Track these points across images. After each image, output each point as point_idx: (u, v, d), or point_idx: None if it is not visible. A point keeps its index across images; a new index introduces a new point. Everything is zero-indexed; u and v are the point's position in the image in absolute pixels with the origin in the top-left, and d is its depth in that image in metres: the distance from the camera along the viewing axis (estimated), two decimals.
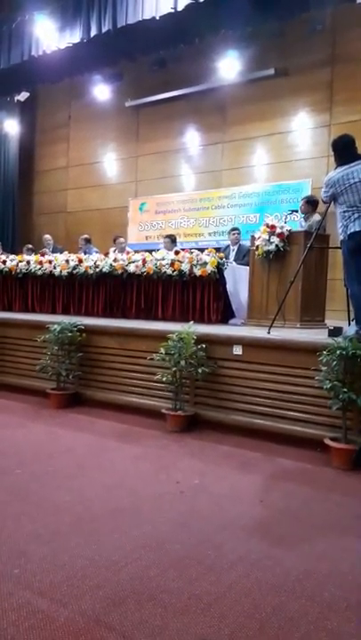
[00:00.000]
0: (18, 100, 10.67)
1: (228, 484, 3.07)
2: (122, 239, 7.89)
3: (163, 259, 5.99)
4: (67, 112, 11.39)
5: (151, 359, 4.34)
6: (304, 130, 8.53)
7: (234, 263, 6.41)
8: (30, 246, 8.79)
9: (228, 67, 8.61)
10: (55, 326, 4.93)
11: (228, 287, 5.81)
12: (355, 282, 3.98)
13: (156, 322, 5.69)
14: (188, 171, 9.91)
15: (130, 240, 9.79)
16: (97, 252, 7.41)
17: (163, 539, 2.33)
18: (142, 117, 10.28)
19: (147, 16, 6.62)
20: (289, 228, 5.17)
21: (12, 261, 7.30)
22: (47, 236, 8.84)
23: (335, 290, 5.82)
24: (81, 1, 7.25)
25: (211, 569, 2.09)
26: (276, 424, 3.88)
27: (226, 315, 5.71)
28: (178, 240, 7.68)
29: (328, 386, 3.37)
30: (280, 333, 4.25)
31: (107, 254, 6.64)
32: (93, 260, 6.51)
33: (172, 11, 6.37)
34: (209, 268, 5.61)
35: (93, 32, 7.14)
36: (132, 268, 6.15)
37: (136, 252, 6.75)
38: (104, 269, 6.35)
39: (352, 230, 3.86)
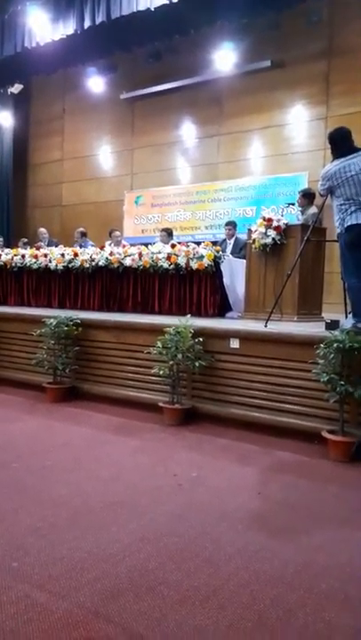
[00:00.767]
0: (11, 93, 10.59)
1: (225, 477, 3.07)
2: (118, 232, 7.86)
3: (159, 252, 5.97)
4: (61, 104, 11.31)
5: (148, 353, 4.33)
6: (301, 122, 8.49)
7: (230, 256, 6.40)
8: (25, 240, 8.75)
9: (224, 58, 8.54)
10: (51, 320, 4.92)
11: (225, 280, 5.80)
12: (352, 275, 3.97)
13: (153, 315, 5.68)
14: (184, 163, 9.86)
15: (126, 233, 9.76)
16: (93, 246, 7.38)
17: (161, 531, 2.33)
18: (137, 110, 10.22)
19: (141, 7, 6.55)
20: (286, 221, 5.15)
21: (7, 255, 7.26)
22: (42, 230, 8.80)
23: (332, 283, 5.82)
24: None
25: (209, 561, 2.10)
26: (274, 417, 3.88)
27: (223, 308, 5.70)
28: (174, 233, 7.65)
29: (325, 379, 3.37)
30: (277, 326, 4.25)
31: (103, 248, 6.61)
32: (89, 254, 6.48)
33: (167, 2, 6.31)
34: (206, 262, 5.59)
35: (87, 23, 7.07)
36: (128, 262, 6.13)
37: (132, 245, 6.73)
38: (100, 263, 6.32)
39: (349, 223, 3.85)
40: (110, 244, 7.16)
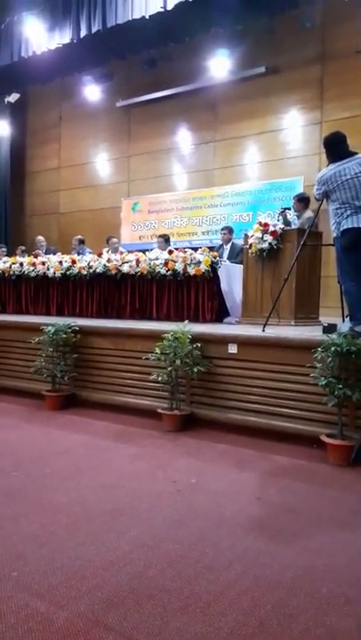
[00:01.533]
0: (8, 102, 10.64)
1: (224, 482, 3.07)
2: (115, 239, 7.88)
3: (156, 258, 5.99)
4: (57, 113, 11.36)
5: (146, 359, 4.34)
6: (295, 127, 8.55)
7: (227, 262, 6.42)
8: (23, 248, 8.77)
9: (219, 65, 8.60)
10: (49, 328, 4.92)
11: (223, 286, 5.81)
12: (348, 279, 3.98)
13: (151, 322, 5.69)
14: (180, 170, 9.91)
15: (123, 240, 9.78)
16: (91, 253, 7.40)
17: (160, 538, 2.33)
18: (133, 117, 10.27)
19: (136, 15, 6.62)
20: (282, 226, 5.18)
21: (4, 263, 7.27)
22: (40, 238, 8.81)
23: (329, 287, 5.83)
24: (70, 1, 7.25)
25: (209, 567, 2.09)
26: (273, 421, 3.88)
27: (220, 313, 5.71)
28: (171, 239, 7.67)
29: (323, 382, 3.38)
30: (275, 331, 4.26)
31: (100, 255, 6.62)
32: (87, 261, 6.49)
33: (162, 10, 6.38)
34: (203, 267, 5.60)
35: (83, 32, 7.14)
36: (125, 269, 6.14)
37: (129, 252, 6.74)
38: (98, 270, 6.33)
39: (345, 227, 3.87)
40: (108, 251, 7.18)
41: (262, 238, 5.15)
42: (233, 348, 4.13)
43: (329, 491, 2.97)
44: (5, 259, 7.49)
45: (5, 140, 11.54)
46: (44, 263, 6.86)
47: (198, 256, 5.71)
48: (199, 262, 5.65)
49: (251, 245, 5.30)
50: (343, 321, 4.36)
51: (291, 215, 6.05)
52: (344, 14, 7.55)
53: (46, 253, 7.86)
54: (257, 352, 4.02)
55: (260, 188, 8.75)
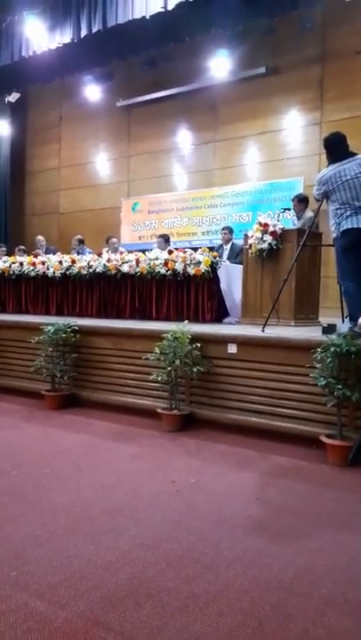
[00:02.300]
0: (8, 101, 10.63)
1: (224, 483, 3.07)
2: (115, 239, 7.88)
3: (156, 258, 5.99)
4: (58, 112, 11.36)
5: (146, 359, 4.34)
6: (295, 128, 8.55)
7: (227, 262, 6.42)
8: (22, 247, 8.76)
9: (219, 65, 8.60)
10: (49, 327, 4.92)
11: (222, 286, 5.81)
12: (348, 279, 3.99)
13: (151, 322, 5.69)
14: (180, 170, 9.91)
15: (123, 240, 9.77)
16: (90, 253, 7.40)
17: (160, 538, 2.33)
18: (134, 117, 10.27)
19: (137, 15, 6.62)
20: (282, 227, 5.18)
21: (4, 263, 7.27)
22: (40, 237, 8.81)
23: (329, 287, 5.84)
24: (71, 1, 7.25)
25: (208, 567, 2.09)
26: (272, 422, 3.88)
27: (220, 313, 5.71)
28: (171, 240, 7.67)
29: (323, 383, 3.38)
30: (274, 331, 4.26)
31: (100, 254, 6.62)
32: (87, 261, 6.49)
33: (163, 10, 6.38)
34: (203, 268, 5.61)
35: (84, 32, 7.14)
36: (125, 268, 6.14)
37: (129, 252, 6.74)
38: (97, 270, 6.33)
39: (345, 227, 3.87)
40: (108, 251, 7.18)
41: (262, 238, 5.15)
42: (232, 349, 4.13)
43: (328, 491, 2.97)
44: (5, 258, 7.49)
45: (6, 140, 11.54)
46: (43, 263, 6.86)
47: (198, 256, 5.71)
48: (199, 262, 5.65)
49: (251, 246, 5.30)
50: (343, 321, 4.36)
51: (291, 216, 6.07)
52: (344, 15, 7.55)
53: (46, 253, 7.86)
54: (257, 352, 4.02)
55: (260, 189, 8.75)
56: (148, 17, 6.54)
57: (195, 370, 4.09)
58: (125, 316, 6.20)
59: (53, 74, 8.77)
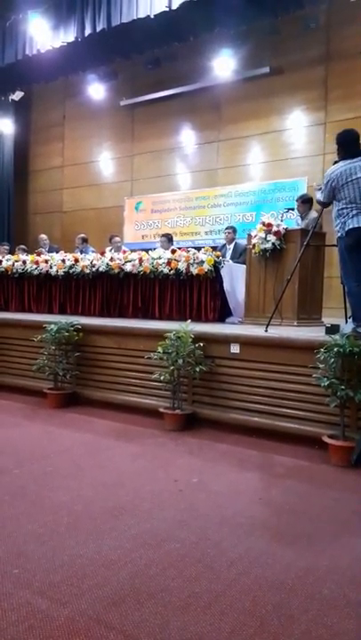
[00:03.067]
0: (12, 100, 10.64)
1: (226, 482, 3.07)
2: (118, 238, 7.87)
3: (159, 258, 5.99)
4: (61, 111, 11.37)
5: (149, 358, 4.34)
6: (299, 128, 8.53)
7: (230, 261, 6.41)
8: (23, 247, 8.75)
9: (223, 65, 8.58)
10: (52, 326, 4.92)
11: (225, 286, 5.81)
12: (352, 279, 3.97)
13: (154, 321, 5.69)
14: (183, 169, 9.90)
15: (126, 239, 9.78)
16: (94, 252, 7.40)
17: (162, 537, 2.33)
18: (137, 116, 10.27)
19: (141, 15, 6.61)
20: (285, 227, 5.17)
21: (8, 261, 7.28)
22: (43, 236, 8.81)
23: (332, 287, 5.82)
24: (75, 0, 7.24)
25: (210, 567, 2.09)
26: (275, 422, 3.88)
27: (223, 313, 5.71)
28: (174, 239, 7.67)
29: (326, 383, 3.37)
30: (277, 331, 4.25)
31: (103, 253, 6.62)
32: (90, 260, 6.49)
33: (167, 9, 6.37)
34: (206, 267, 5.60)
35: (88, 31, 7.13)
36: (128, 268, 6.14)
37: (132, 251, 6.74)
38: (101, 269, 6.34)
39: (351, 227, 3.85)
40: (111, 250, 7.19)
41: (265, 238, 5.15)
42: (235, 348, 4.13)
43: (331, 492, 2.97)
44: (9, 256, 7.50)
45: (9, 138, 11.55)
46: (46, 261, 6.86)
47: (201, 256, 5.71)
48: (202, 262, 5.65)
49: (254, 245, 5.30)
50: (346, 322, 4.35)
51: (294, 216, 6.06)
52: (349, 15, 7.53)
53: (49, 252, 7.86)
54: (259, 352, 4.02)
55: (264, 189, 8.74)
56: (152, 16, 6.53)
57: (197, 369, 4.09)
58: (128, 315, 6.21)
59: (57, 72, 8.76)
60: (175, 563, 2.11)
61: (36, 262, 6.94)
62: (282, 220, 5.26)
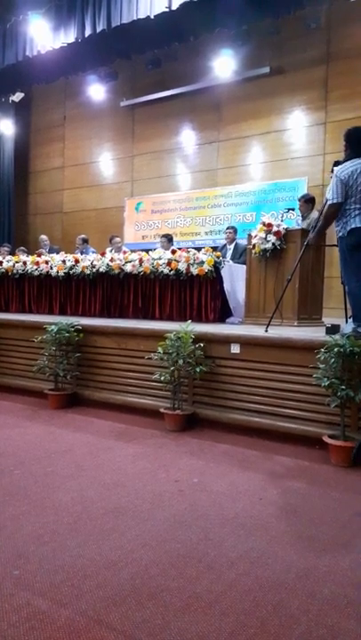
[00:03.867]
0: (12, 101, 10.66)
1: (227, 482, 3.07)
2: (118, 239, 7.88)
3: (160, 258, 5.99)
4: (62, 112, 11.38)
5: (149, 358, 4.34)
6: (300, 128, 8.54)
7: (231, 262, 6.41)
8: (23, 248, 8.76)
9: (224, 65, 8.60)
10: (52, 327, 4.93)
11: (226, 286, 5.81)
12: (353, 279, 3.96)
13: (154, 321, 5.69)
14: (183, 170, 9.91)
15: (126, 240, 9.79)
16: (94, 252, 7.41)
17: (163, 537, 2.33)
18: (137, 117, 10.28)
19: (141, 15, 6.62)
20: (285, 227, 5.17)
21: (8, 262, 7.28)
22: (43, 237, 8.82)
23: (332, 287, 5.83)
24: (75, 1, 7.25)
25: (211, 567, 2.09)
26: (275, 422, 3.88)
27: (223, 313, 5.71)
28: (174, 239, 7.67)
29: (326, 383, 3.37)
30: (278, 331, 4.25)
31: (103, 254, 6.63)
32: (90, 260, 6.50)
33: (167, 10, 6.38)
34: (206, 267, 5.60)
35: (88, 32, 7.14)
36: (128, 268, 6.15)
37: (133, 251, 6.74)
38: (101, 269, 6.34)
39: (352, 226, 3.83)
40: (111, 251, 7.19)
41: (266, 239, 5.15)
42: (236, 349, 4.13)
43: (331, 492, 2.97)
44: (9, 257, 7.50)
45: (9, 139, 11.57)
46: (47, 262, 6.86)
47: (202, 256, 5.71)
48: (202, 262, 5.65)
49: (254, 246, 5.30)
50: (346, 322, 4.35)
51: (294, 216, 6.05)
52: (349, 15, 7.55)
53: (49, 253, 7.87)
54: (260, 352, 4.01)
55: (264, 189, 8.74)
56: (152, 17, 6.53)
57: (198, 370, 4.09)
58: (128, 315, 6.21)
59: (57, 73, 8.78)
60: (176, 563, 2.11)
61: (37, 263, 6.95)
62: (282, 220, 5.26)
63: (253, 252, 5.34)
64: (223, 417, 4.15)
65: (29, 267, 7.00)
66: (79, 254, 7.16)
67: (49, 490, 2.90)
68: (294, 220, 6.08)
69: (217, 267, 5.67)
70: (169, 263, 5.85)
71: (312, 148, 8.37)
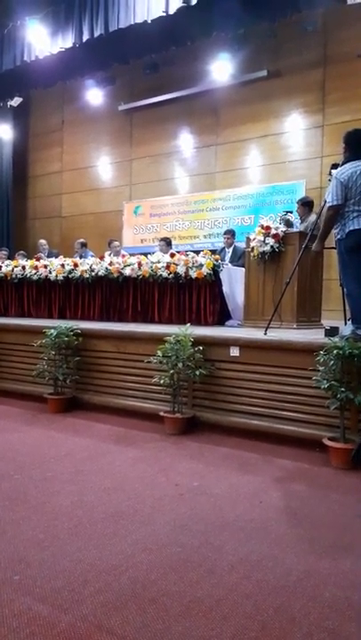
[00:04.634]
0: (11, 106, 10.67)
1: (227, 486, 3.06)
2: (117, 242, 7.89)
3: (158, 261, 6.00)
4: (60, 116, 11.41)
5: (148, 362, 4.34)
6: (297, 131, 8.56)
7: (229, 265, 6.42)
8: (23, 252, 8.77)
9: (221, 69, 8.63)
10: (52, 331, 4.92)
11: (224, 289, 5.82)
12: (351, 281, 3.96)
13: (153, 324, 5.69)
14: (182, 173, 9.93)
15: (125, 243, 9.80)
16: (93, 256, 7.42)
17: (163, 542, 2.32)
18: (135, 121, 10.31)
19: (138, 20, 6.64)
20: (284, 229, 5.18)
21: (7, 267, 7.29)
22: (42, 241, 8.83)
23: (331, 290, 5.84)
24: (73, 5, 7.28)
25: (211, 571, 2.09)
26: (275, 425, 3.88)
27: (222, 316, 5.72)
28: (173, 243, 7.69)
29: (326, 385, 3.37)
30: (277, 334, 4.25)
31: (102, 258, 6.64)
32: (89, 264, 6.50)
33: (164, 14, 6.40)
34: (205, 270, 5.61)
35: (86, 36, 7.17)
36: (127, 272, 6.15)
37: (131, 255, 6.75)
38: (100, 273, 6.35)
39: (351, 228, 3.83)
40: (110, 254, 7.20)
41: (264, 241, 5.16)
42: (235, 351, 4.13)
43: (332, 494, 2.96)
44: (8, 262, 7.51)
45: (8, 144, 11.59)
46: (46, 266, 6.87)
47: (200, 259, 5.72)
48: (201, 265, 5.66)
49: (253, 248, 5.31)
50: (345, 324, 4.35)
51: (292, 219, 6.06)
52: (345, 19, 7.57)
53: (48, 257, 7.88)
54: (259, 355, 4.02)
55: (262, 192, 8.76)
56: (149, 21, 6.56)
57: (197, 373, 4.08)
58: (128, 319, 6.21)
59: (55, 78, 8.80)
60: (176, 567, 2.11)
61: (36, 267, 6.95)
62: (280, 223, 5.27)
63: (252, 254, 5.35)
64: (223, 420, 4.14)
65: (28, 271, 7.01)
66: (78, 258, 7.17)
67: (49, 494, 2.89)
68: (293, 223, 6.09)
69: (216, 270, 5.67)
70: (168, 266, 5.86)
71: (310, 150, 8.39)
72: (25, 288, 7.18)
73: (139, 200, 10.29)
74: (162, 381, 4.18)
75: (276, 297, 4.84)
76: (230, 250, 6.99)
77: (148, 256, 6.25)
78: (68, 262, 6.74)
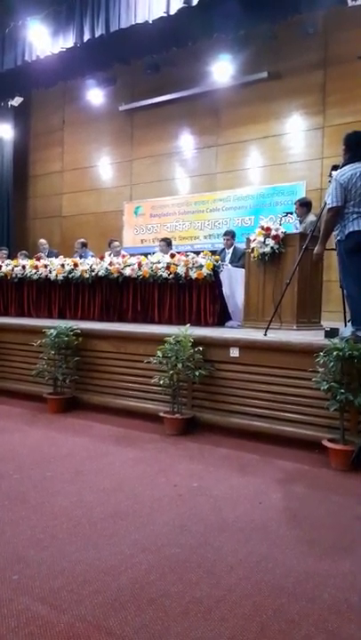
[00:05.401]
0: (12, 105, 10.68)
1: (226, 487, 3.06)
2: (117, 243, 7.89)
3: (158, 262, 6.00)
4: (61, 116, 11.41)
5: (148, 362, 4.34)
6: (298, 132, 8.56)
7: (229, 265, 6.42)
8: (25, 252, 8.78)
9: (222, 70, 8.64)
10: (51, 330, 4.92)
11: (224, 289, 5.82)
12: (351, 282, 3.97)
13: (153, 325, 5.69)
14: (182, 174, 9.93)
15: (125, 244, 9.79)
16: (93, 256, 7.41)
17: (162, 542, 2.32)
18: (136, 121, 10.31)
19: (140, 20, 6.64)
20: (284, 230, 5.18)
21: (7, 266, 7.28)
22: (42, 241, 8.83)
23: (331, 291, 5.83)
24: (74, 6, 7.28)
25: (211, 572, 2.09)
26: (274, 426, 3.88)
27: (222, 317, 5.71)
28: (173, 243, 7.68)
29: (325, 387, 3.37)
30: (277, 335, 4.25)
31: (102, 258, 6.63)
32: (89, 264, 6.50)
33: (165, 15, 6.40)
34: (205, 271, 5.61)
35: (87, 36, 7.17)
36: (127, 272, 6.15)
37: (132, 255, 6.75)
38: (100, 273, 6.34)
39: (351, 230, 3.84)
40: (110, 255, 7.20)
41: (264, 242, 5.16)
42: (235, 352, 4.13)
43: (331, 496, 2.96)
44: (8, 261, 7.51)
45: (9, 144, 11.59)
46: (46, 266, 6.87)
47: (200, 260, 5.72)
48: (201, 266, 5.65)
49: (253, 249, 5.31)
50: (345, 325, 4.35)
51: (293, 220, 6.06)
52: (346, 20, 7.57)
53: (48, 256, 7.88)
54: (259, 356, 4.01)
55: (263, 193, 8.76)
56: (150, 22, 6.56)
57: (197, 373, 4.08)
58: (128, 319, 6.21)
59: (56, 78, 8.80)
60: (175, 568, 2.11)
61: (36, 267, 6.95)
62: (280, 224, 5.27)
63: (252, 255, 5.35)
64: (222, 421, 4.14)
65: (28, 271, 7.00)
66: (78, 258, 7.16)
67: (48, 494, 2.89)
68: (292, 224, 6.09)
69: (216, 270, 5.67)
70: (168, 267, 5.86)
71: (310, 152, 8.39)
72: (25, 288, 7.18)
73: (139, 200, 10.29)
74: (161, 382, 4.18)
75: (276, 298, 4.84)
76: (230, 251, 6.99)
77: (149, 256, 6.25)
78: (69, 262, 6.73)
